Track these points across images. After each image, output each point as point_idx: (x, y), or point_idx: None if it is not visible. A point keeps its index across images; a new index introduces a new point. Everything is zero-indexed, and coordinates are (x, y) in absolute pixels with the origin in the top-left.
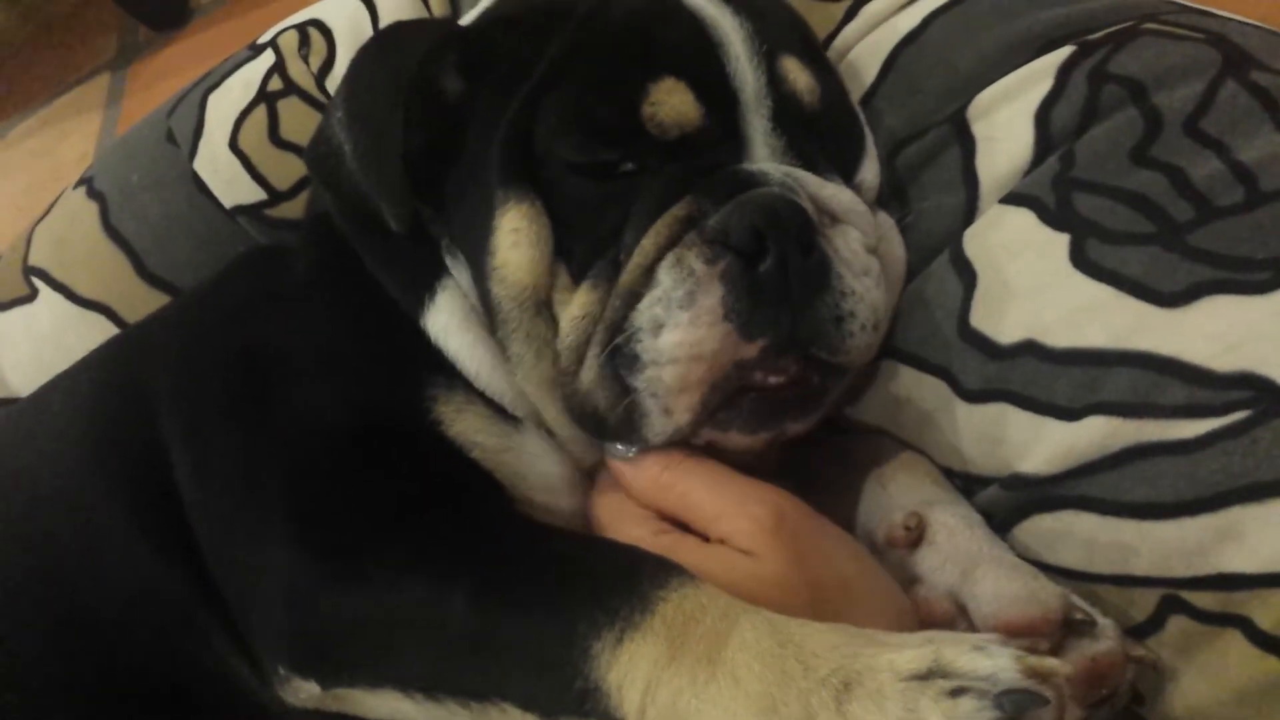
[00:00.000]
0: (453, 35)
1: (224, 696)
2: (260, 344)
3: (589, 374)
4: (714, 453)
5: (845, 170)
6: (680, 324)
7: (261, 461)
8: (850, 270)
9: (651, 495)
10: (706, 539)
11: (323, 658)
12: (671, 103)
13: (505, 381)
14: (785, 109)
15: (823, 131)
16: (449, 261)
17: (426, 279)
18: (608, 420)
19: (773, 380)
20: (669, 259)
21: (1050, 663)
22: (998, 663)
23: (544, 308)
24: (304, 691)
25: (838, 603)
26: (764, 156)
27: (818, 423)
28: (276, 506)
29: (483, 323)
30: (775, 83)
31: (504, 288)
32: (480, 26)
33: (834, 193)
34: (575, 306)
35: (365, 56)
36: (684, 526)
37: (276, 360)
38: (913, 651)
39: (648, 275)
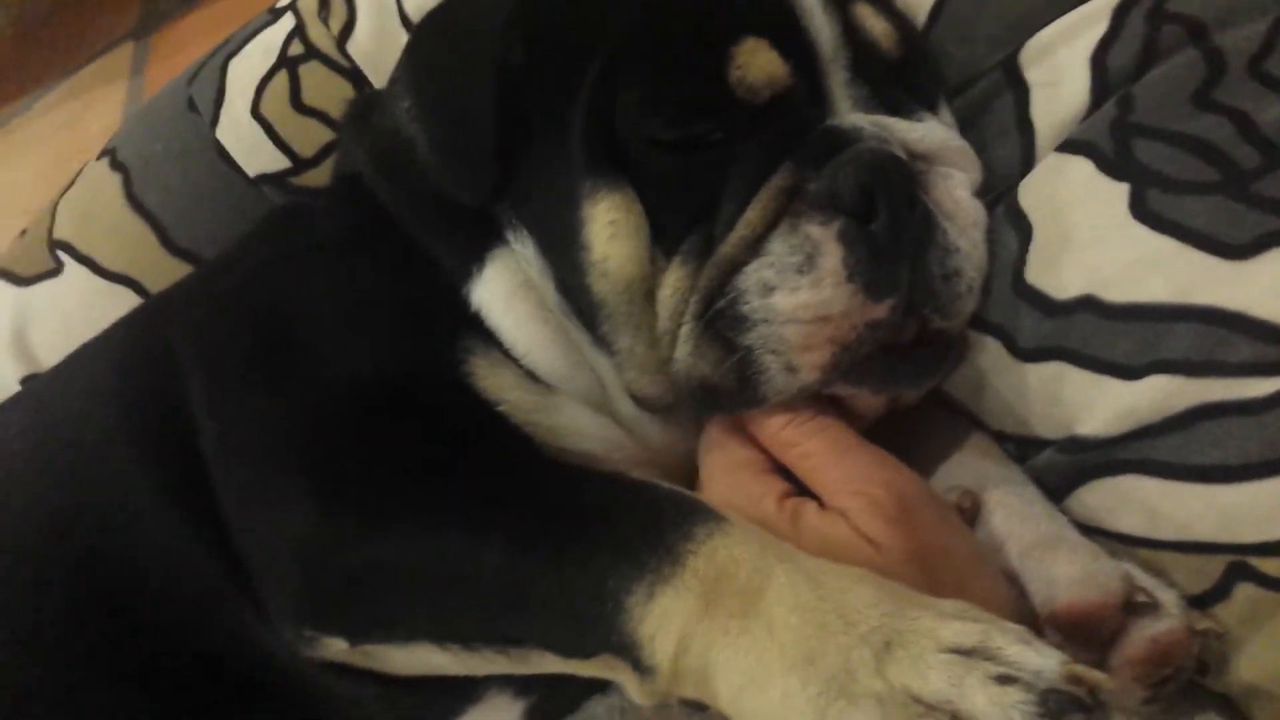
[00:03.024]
0: (520, 6)
1: (258, 668)
2: (282, 304)
3: (685, 347)
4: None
5: (931, 106)
6: (801, 287)
7: (281, 423)
8: (954, 223)
9: (771, 448)
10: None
11: (347, 612)
12: (758, 63)
13: (557, 361)
14: (862, 57)
15: (902, 70)
16: (510, 234)
17: (477, 249)
18: (720, 386)
19: (903, 338)
20: (782, 228)
21: (1096, 675)
22: (1045, 660)
23: (651, 297)
24: (333, 648)
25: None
26: (847, 109)
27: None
28: (295, 466)
29: (538, 298)
30: (850, 31)
31: (608, 282)
32: None
33: (924, 133)
34: (666, 287)
35: (432, 37)
36: (801, 487)
37: (299, 320)
38: (959, 624)
39: (754, 246)
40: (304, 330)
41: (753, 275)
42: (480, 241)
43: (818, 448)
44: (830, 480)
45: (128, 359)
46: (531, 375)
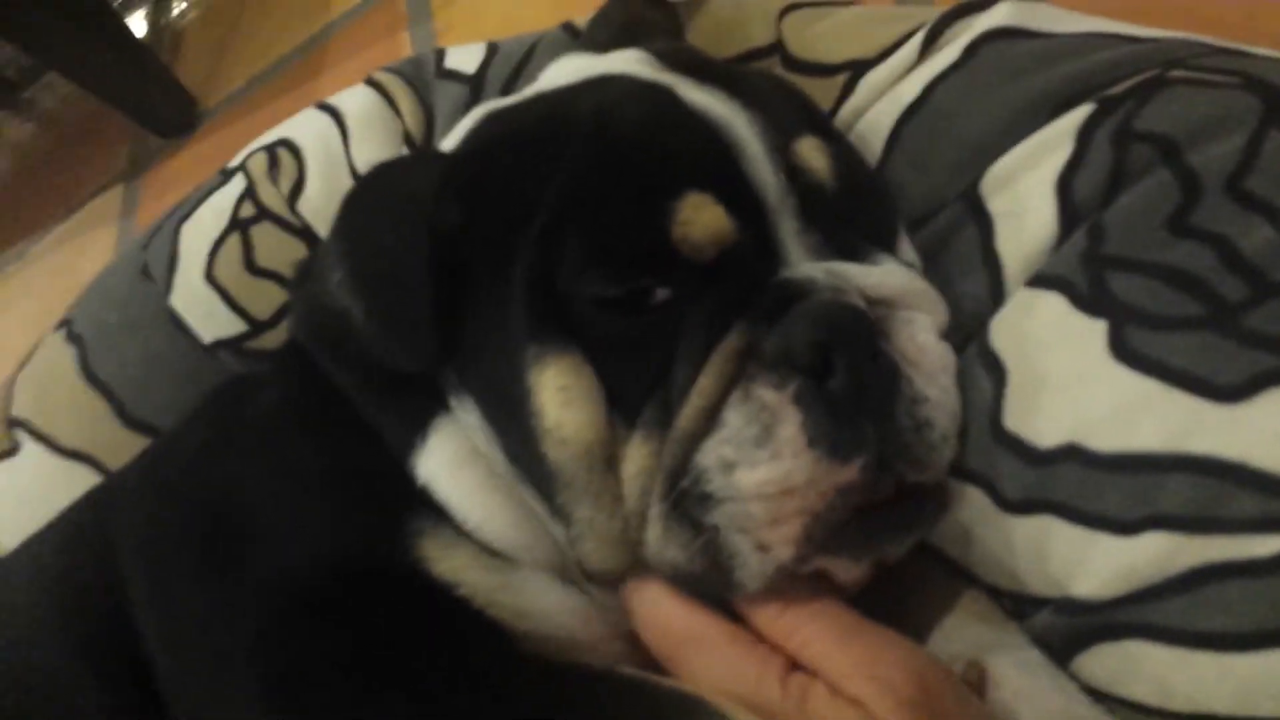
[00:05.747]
0: (454, 168)
1: None
2: (225, 491)
3: (654, 529)
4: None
5: (888, 244)
6: (761, 461)
7: (231, 626)
8: (920, 371)
9: (768, 637)
10: None
11: None
12: (702, 220)
13: (514, 530)
14: (811, 200)
15: (854, 211)
16: (453, 400)
17: (419, 418)
18: (694, 571)
19: (879, 496)
20: (735, 396)
21: None
22: None
23: (612, 462)
24: None
25: None
26: (800, 258)
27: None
28: (249, 676)
29: (487, 466)
30: (795, 175)
31: (565, 450)
32: (476, 152)
33: (882, 277)
34: (631, 463)
35: (362, 207)
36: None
37: (242, 507)
38: None
39: (710, 417)
40: (247, 519)
41: (712, 452)
42: (422, 410)
43: (819, 633)
44: (838, 666)
45: (67, 556)
46: (489, 549)
